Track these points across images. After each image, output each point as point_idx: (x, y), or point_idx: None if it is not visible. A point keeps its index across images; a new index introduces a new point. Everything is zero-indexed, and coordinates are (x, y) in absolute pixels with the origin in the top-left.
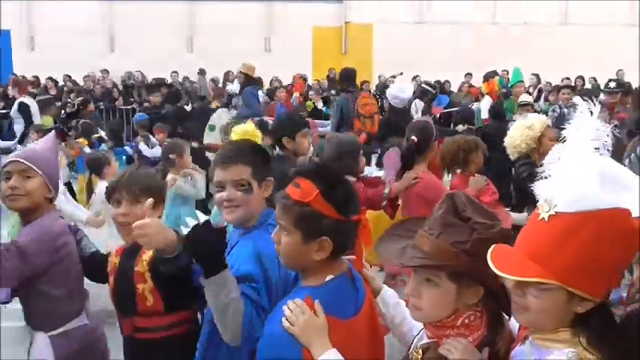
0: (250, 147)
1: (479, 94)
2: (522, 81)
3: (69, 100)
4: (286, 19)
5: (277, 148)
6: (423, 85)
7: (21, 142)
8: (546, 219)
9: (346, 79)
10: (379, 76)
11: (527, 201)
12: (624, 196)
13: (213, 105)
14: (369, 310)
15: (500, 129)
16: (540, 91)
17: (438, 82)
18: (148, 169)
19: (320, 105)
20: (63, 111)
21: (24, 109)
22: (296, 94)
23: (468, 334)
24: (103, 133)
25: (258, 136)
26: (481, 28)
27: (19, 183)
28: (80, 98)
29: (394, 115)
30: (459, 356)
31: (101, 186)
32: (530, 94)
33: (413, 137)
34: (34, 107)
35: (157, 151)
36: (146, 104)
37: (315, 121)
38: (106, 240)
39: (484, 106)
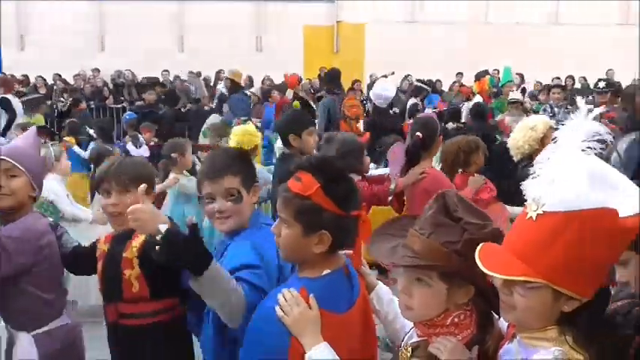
0: (236, 155)
1: (470, 94)
2: (512, 81)
3: (62, 99)
4: (277, 19)
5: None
6: (417, 83)
7: (3, 135)
8: (534, 218)
9: (331, 81)
10: (371, 76)
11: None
12: (612, 195)
13: (207, 107)
14: (363, 305)
15: (482, 129)
16: (524, 90)
17: (429, 81)
18: (136, 158)
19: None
20: (56, 110)
21: (5, 103)
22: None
23: (457, 332)
24: (92, 132)
25: (258, 136)
26: (474, 28)
27: (4, 182)
28: (71, 98)
29: (378, 116)
30: (447, 355)
31: None
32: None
33: (418, 133)
34: (14, 101)
35: (144, 151)
36: (140, 103)
37: None
38: None
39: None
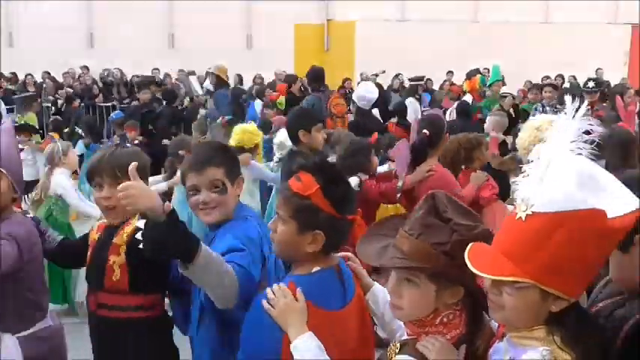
0: (220, 148)
1: (460, 92)
2: (501, 79)
3: (51, 97)
4: (268, 17)
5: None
6: (411, 83)
7: None
8: (523, 218)
9: (315, 79)
10: (361, 74)
11: None
12: (601, 196)
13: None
14: (358, 305)
15: (467, 128)
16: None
17: (422, 77)
18: (128, 148)
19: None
20: (53, 107)
21: None
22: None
23: (445, 332)
24: (80, 130)
25: (259, 135)
26: (463, 26)
27: None
28: (64, 95)
29: (361, 117)
30: (435, 354)
31: None
32: None
33: (425, 130)
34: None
35: None
36: (135, 102)
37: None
38: None
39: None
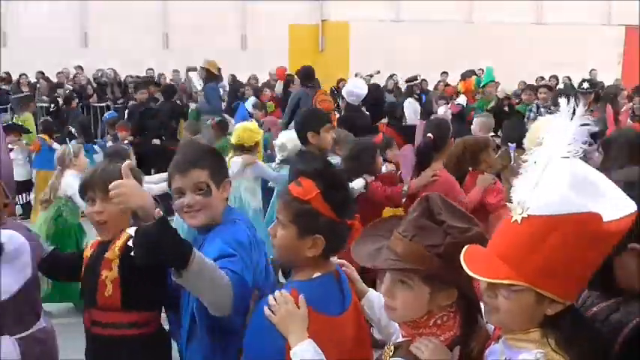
0: (205, 150)
1: (454, 93)
2: (494, 80)
3: (56, 95)
4: (262, 17)
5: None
6: (408, 84)
7: None
8: (519, 221)
9: (306, 77)
10: (356, 75)
11: None
12: (597, 200)
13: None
14: (355, 310)
15: (462, 131)
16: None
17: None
18: (119, 164)
19: None
20: (55, 107)
21: None
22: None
23: (439, 333)
24: (73, 130)
25: (259, 133)
26: (457, 27)
27: None
28: (62, 95)
29: (351, 114)
30: (428, 356)
31: None
32: None
33: (429, 134)
34: None
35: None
36: (132, 102)
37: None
38: None
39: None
